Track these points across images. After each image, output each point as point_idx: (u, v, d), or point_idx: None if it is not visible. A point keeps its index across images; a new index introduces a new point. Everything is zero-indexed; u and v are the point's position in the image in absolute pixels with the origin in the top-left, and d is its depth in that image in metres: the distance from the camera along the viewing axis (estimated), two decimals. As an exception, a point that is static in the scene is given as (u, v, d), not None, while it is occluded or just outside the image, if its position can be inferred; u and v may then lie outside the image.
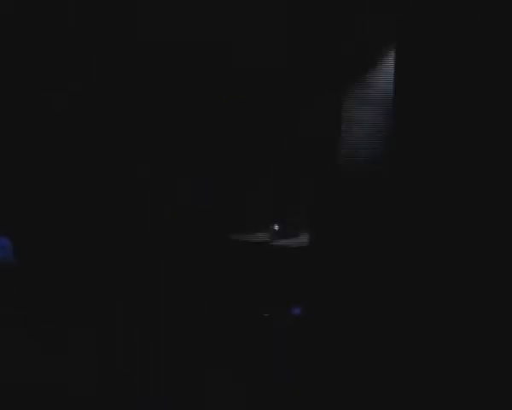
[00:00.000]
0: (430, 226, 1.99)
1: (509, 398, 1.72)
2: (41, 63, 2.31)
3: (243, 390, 2.23)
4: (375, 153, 2.95)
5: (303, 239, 3.31)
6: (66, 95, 2.31)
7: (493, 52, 1.76)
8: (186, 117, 3.83)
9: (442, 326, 1.94)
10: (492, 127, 1.77)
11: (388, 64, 2.52)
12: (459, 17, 1.85)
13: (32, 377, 2.01)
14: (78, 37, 2.44)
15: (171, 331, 2.38)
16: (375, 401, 2.11)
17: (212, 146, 3.92)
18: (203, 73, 3.51)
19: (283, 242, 3.36)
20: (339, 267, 2.63)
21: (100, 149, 2.56)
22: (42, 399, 1.97)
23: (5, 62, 2.27)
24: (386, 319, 2.19)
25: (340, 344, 2.30)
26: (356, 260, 2.57)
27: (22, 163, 2.26)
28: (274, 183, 3.95)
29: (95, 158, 2.50)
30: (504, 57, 1.73)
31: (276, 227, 3.59)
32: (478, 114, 1.82)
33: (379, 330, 2.24)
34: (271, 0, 2.91)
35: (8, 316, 2.09)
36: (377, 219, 2.43)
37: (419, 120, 2.04)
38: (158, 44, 2.83)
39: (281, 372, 2.20)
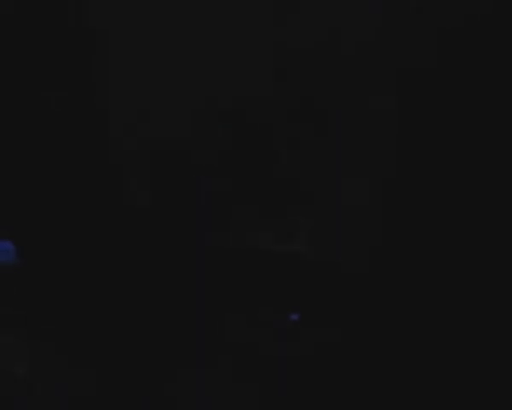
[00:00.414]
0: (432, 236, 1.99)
1: (509, 398, 1.73)
2: (40, 62, 2.32)
3: (243, 391, 2.23)
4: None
5: (301, 243, 3.32)
6: (67, 94, 2.31)
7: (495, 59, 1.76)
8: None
9: (442, 331, 1.94)
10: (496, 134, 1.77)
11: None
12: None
13: (30, 374, 2.02)
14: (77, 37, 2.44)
15: (170, 332, 2.38)
16: (374, 401, 2.11)
17: (210, 145, 3.92)
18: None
19: (281, 246, 3.36)
20: (336, 271, 2.64)
21: (100, 147, 2.56)
22: (41, 398, 1.97)
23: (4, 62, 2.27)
24: (386, 321, 2.19)
25: (339, 346, 2.30)
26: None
27: (23, 163, 2.26)
28: (272, 186, 3.95)
29: (95, 156, 2.50)
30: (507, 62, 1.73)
31: (274, 232, 3.59)
32: (484, 116, 1.82)
33: (378, 331, 2.24)
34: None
35: (9, 316, 2.09)
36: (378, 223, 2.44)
37: (422, 130, 2.04)
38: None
39: (280, 373, 2.20)
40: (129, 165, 3.40)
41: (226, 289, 2.61)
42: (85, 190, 2.34)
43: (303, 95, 3.38)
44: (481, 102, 1.78)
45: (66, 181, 2.29)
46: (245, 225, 3.74)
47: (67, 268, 2.26)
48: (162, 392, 2.11)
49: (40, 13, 2.39)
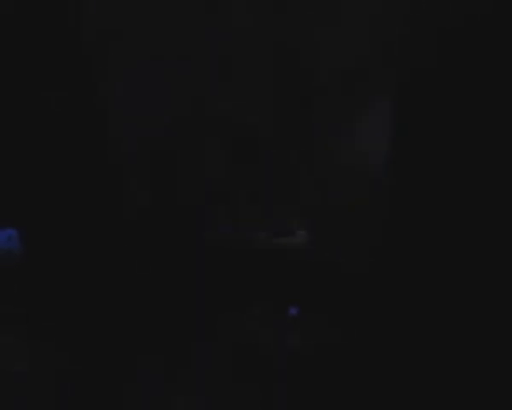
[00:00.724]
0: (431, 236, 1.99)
1: (509, 398, 1.73)
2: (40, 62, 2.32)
3: (243, 390, 2.23)
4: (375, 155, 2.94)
5: (300, 239, 3.32)
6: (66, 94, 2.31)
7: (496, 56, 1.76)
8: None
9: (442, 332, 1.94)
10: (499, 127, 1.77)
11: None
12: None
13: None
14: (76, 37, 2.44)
15: (167, 330, 2.38)
16: (374, 400, 2.11)
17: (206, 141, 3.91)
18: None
19: (280, 241, 3.36)
20: (335, 270, 2.63)
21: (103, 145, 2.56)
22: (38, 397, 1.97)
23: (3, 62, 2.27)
24: (386, 323, 2.19)
25: (337, 347, 2.30)
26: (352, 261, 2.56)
27: (25, 161, 2.27)
28: (271, 180, 3.95)
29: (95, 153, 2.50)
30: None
31: (274, 227, 3.59)
32: (481, 116, 1.82)
33: (378, 332, 2.24)
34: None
35: (9, 314, 2.09)
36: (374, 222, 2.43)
37: (421, 124, 2.04)
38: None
39: (280, 373, 2.20)
40: (129, 165, 3.40)
41: (226, 287, 2.61)
42: (86, 189, 2.34)
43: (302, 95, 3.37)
44: (479, 104, 1.78)
45: (67, 178, 2.29)
46: (245, 224, 3.74)
47: (68, 266, 2.26)
48: (162, 390, 2.11)
49: (40, 13, 2.39)
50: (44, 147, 2.39)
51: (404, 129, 2.11)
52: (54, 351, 2.12)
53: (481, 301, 1.80)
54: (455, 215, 1.89)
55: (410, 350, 2.02)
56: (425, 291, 1.98)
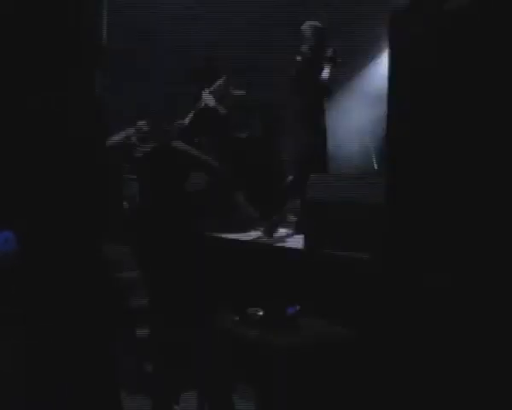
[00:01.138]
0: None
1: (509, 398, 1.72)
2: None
3: (244, 390, 2.23)
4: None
5: (296, 237, 3.32)
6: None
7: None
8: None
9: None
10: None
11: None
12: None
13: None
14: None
15: (166, 330, 2.38)
16: (373, 400, 2.11)
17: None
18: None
19: (276, 239, 3.37)
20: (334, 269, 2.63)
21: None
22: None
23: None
24: (386, 323, 2.19)
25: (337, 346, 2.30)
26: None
27: (24, 161, 2.27)
28: (266, 180, 3.95)
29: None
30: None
31: (269, 224, 3.58)
32: (479, 111, 1.82)
33: (378, 332, 2.24)
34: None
35: (7, 314, 2.08)
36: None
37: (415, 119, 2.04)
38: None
39: (280, 373, 2.20)
40: (129, 165, 3.39)
41: (225, 287, 2.60)
42: (85, 189, 2.34)
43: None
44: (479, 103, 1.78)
45: (65, 179, 2.29)
46: (244, 221, 3.73)
47: (66, 266, 2.26)
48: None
49: (40, 13, 2.39)
50: (44, 147, 2.38)
51: (404, 128, 2.10)
52: (52, 351, 2.11)
53: (486, 302, 1.79)
54: (456, 216, 1.89)
55: (411, 350, 2.01)
56: (427, 291, 1.97)
